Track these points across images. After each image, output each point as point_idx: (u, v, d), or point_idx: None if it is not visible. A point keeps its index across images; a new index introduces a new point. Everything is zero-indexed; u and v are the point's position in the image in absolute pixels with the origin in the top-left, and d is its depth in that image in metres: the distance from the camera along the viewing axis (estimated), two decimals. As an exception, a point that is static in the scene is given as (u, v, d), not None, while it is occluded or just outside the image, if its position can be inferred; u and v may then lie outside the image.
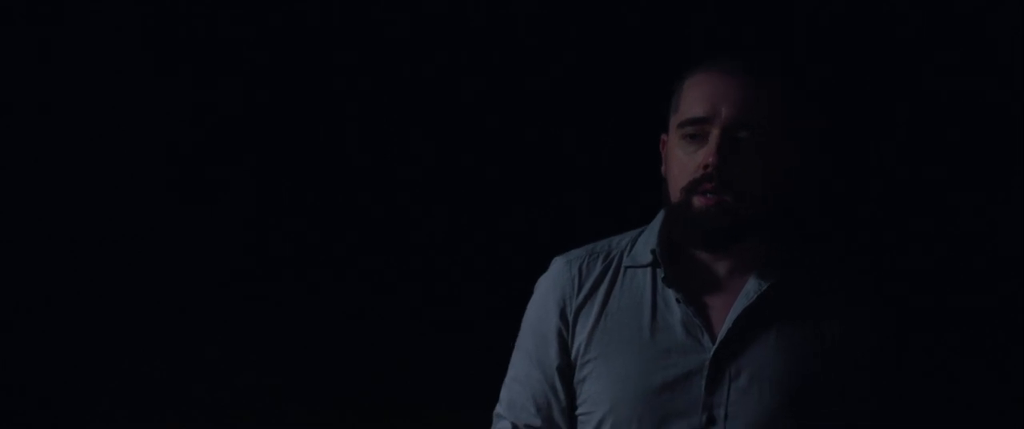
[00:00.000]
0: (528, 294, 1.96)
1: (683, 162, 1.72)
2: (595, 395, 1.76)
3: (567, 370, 1.80)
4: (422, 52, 7.69)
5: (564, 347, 1.80)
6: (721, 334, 1.73)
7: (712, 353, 1.73)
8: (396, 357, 6.37)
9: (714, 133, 1.70)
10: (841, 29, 7.18)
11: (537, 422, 1.82)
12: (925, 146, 7.19)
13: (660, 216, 1.83)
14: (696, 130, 1.71)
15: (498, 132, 7.70)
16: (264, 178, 7.86)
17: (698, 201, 1.71)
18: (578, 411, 1.80)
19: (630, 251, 1.83)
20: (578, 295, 1.81)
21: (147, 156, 7.65)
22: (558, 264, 1.86)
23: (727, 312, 1.74)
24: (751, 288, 1.74)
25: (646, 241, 1.82)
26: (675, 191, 1.74)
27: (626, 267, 1.82)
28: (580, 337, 1.79)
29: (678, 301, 1.76)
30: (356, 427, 5.48)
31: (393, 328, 6.92)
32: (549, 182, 7.65)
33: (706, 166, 1.69)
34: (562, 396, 1.80)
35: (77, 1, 7.34)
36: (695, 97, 1.73)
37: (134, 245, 7.46)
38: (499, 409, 1.89)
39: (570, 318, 1.81)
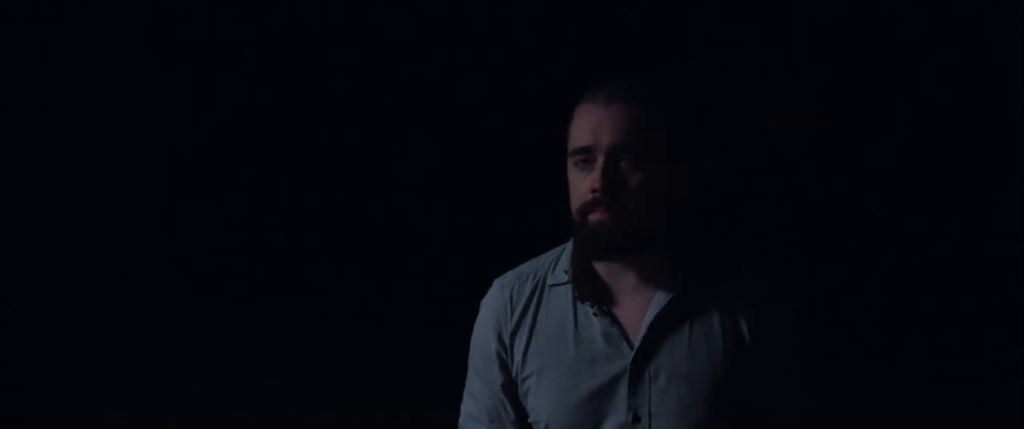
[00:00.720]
0: None
1: (576, 187, 1.90)
2: (537, 407, 1.94)
3: (510, 386, 1.97)
4: (422, 52, 7.69)
5: (504, 367, 1.98)
6: (637, 341, 1.88)
7: (631, 358, 1.88)
8: (396, 357, 6.37)
9: (599, 160, 1.86)
10: (841, 29, 7.18)
11: None
12: (925, 146, 7.19)
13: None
14: (584, 157, 1.89)
15: (498, 132, 7.70)
16: (264, 178, 7.86)
17: (591, 219, 1.86)
18: (529, 420, 1.97)
19: (553, 270, 1.98)
20: (511, 318, 1.98)
21: (147, 156, 7.65)
22: (494, 289, 2.03)
23: (642, 320, 1.88)
24: (661, 296, 1.88)
25: (566, 261, 1.96)
26: (573, 213, 1.91)
27: (550, 285, 1.97)
28: (517, 356, 1.96)
29: (595, 314, 1.90)
30: (356, 427, 5.48)
31: (393, 328, 6.91)
32: (549, 182, 7.64)
33: (594, 191, 1.85)
34: (510, 409, 1.98)
35: (77, 1, 7.34)
36: (580, 127, 1.90)
37: (134, 245, 7.47)
38: (461, 420, 2.06)
39: (506, 340, 1.98)
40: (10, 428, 5.21)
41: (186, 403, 5.56)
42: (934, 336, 6.28)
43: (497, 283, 2.04)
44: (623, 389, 1.88)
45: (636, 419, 1.88)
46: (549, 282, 1.97)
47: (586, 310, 1.92)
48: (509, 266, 2.06)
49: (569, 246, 1.98)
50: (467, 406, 2.04)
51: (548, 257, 2.02)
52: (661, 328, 1.88)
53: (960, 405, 5.44)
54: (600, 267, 1.92)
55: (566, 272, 1.94)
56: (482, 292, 2.10)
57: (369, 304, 7.23)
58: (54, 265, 7.17)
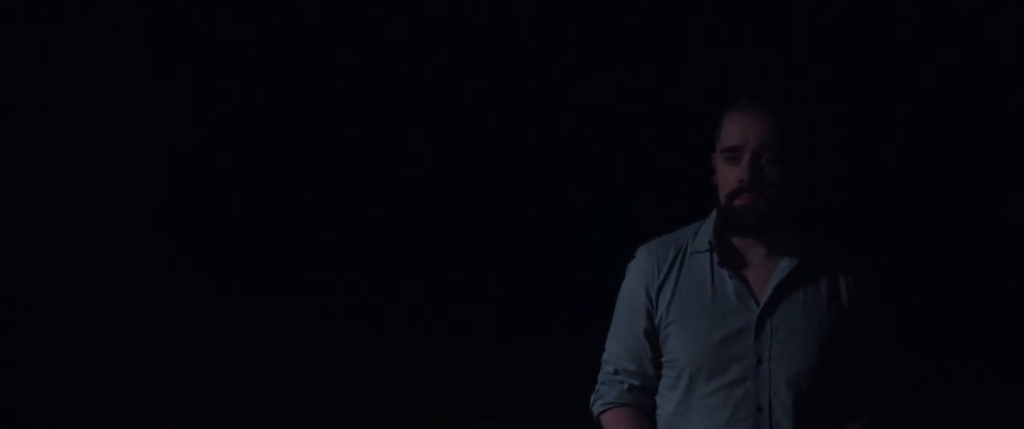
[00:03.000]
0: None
1: (726, 177, 2.40)
2: (675, 349, 2.45)
3: (652, 332, 2.49)
4: (422, 52, 7.69)
5: (649, 316, 2.49)
6: (763, 299, 2.41)
7: (757, 313, 2.40)
8: (396, 357, 6.38)
9: (746, 157, 2.37)
10: (841, 29, 7.18)
11: (632, 367, 2.52)
12: (925, 146, 7.20)
13: (714, 214, 2.48)
14: (733, 154, 2.38)
15: (498, 132, 7.70)
16: (264, 178, 7.87)
17: (738, 203, 2.38)
18: (663, 360, 2.48)
19: (693, 240, 2.49)
20: (658, 277, 2.49)
21: (147, 156, 7.65)
22: (642, 253, 2.54)
23: (767, 283, 2.41)
24: (784, 265, 2.42)
25: (705, 233, 2.48)
26: (722, 197, 2.41)
27: (691, 252, 2.48)
28: (661, 307, 2.47)
29: (730, 277, 2.42)
30: (356, 427, 5.48)
31: (393, 328, 6.92)
32: (549, 182, 7.65)
33: (741, 181, 2.37)
34: (649, 350, 2.49)
35: (77, 1, 7.35)
36: (731, 130, 2.40)
37: (134, 245, 7.47)
38: (605, 356, 2.58)
39: (653, 295, 2.48)
40: (10, 428, 5.21)
41: (186, 403, 5.57)
42: (934, 336, 6.28)
43: (643, 250, 2.54)
44: (749, 337, 2.40)
45: (759, 362, 2.39)
46: (690, 250, 2.48)
47: (722, 273, 2.43)
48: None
49: (706, 222, 2.48)
50: (612, 346, 2.55)
51: (687, 230, 2.52)
52: (782, 291, 2.41)
53: (960, 405, 5.44)
54: (736, 240, 2.45)
55: (709, 242, 2.45)
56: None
57: (369, 304, 7.24)
58: (54, 265, 7.17)
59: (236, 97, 7.79)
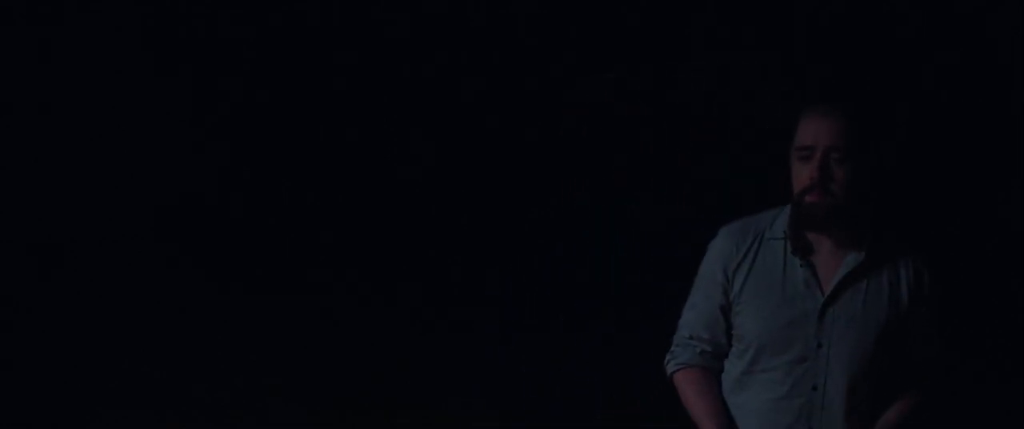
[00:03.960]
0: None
1: (798, 174, 2.66)
2: (745, 325, 2.71)
3: (727, 307, 2.74)
4: (422, 52, 7.69)
5: (725, 292, 2.74)
6: (829, 289, 2.66)
7: (822, 302, 2.65)
8: (396, 357, 6.38)
9: (816, 157, 2.63)
10: (841, 29, 7.18)
11: (706, 335, 2.77)
12: (925, 146, 7.20)
13: (789, 206, 2.75)
14: (805, 153, 2.64)
15: (498, 132, 7.70)
16: (264, 178, 7.87)
17: (809, 199, 2.63)
18: (734, 334, 2.74)
19: (770, 227, 2.75)
20: (735, 258, 2.74)
21: (147, 156, 7.65)
22: (722, 234, 2.79)
23: (833, 274, 2.66)
24: (851, 259, 2.67)
25: (781, 222, 2.73)
26: (795, 193, 2.67)
27: (767, 239, 2.73)
28: (736, 286, 2.72)
29: (801, 265, 2.68)
30: (356, 427, 5.49)
31: (393, 328, 6.92)
32: (549, 182, 7.65)
33: (812, 178, 2.62)
34: (722, 322, 2.75)
35: (77, 1, 7.35)
36: (804, 131, 2.66)
37: (134, 245, 7.47)
38: (681, 322, 2.82)
39: (730, 274, 2.73)
40: (10, 428, 5.21)
41: (186, 403, 5.57)
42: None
43: (725, 230, 2.78)
44: (813, 322, 2.65)
45: (819, 345, 2.65)
46: (767, 236, 2.73)
47: (794, 261, 2.68)
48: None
49: (784, 210, 2.72)
50: (689, 316, 2.81)
51: (766, 216, 2.77)
52: (847, 283, 2.65)
53: (960, 405, 5.43)
54: (810, 231, 2.68)
55: (783, 231, 2.70)
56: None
57: (369, 304, 7.24)
58: (54, 265, 7.18)
59: (236, 97, 7.79)
